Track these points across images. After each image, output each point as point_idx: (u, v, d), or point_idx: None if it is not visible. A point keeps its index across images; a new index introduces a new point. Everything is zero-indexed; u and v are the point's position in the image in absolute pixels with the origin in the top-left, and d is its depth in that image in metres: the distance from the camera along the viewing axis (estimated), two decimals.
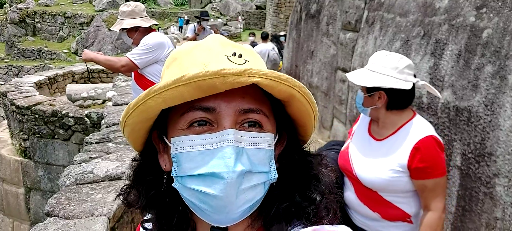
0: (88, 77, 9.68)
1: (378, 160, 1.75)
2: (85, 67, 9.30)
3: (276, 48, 8.71)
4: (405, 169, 1.67)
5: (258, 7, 28.83)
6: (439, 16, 2.40)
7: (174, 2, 37.36)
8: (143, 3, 3.51)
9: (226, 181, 0.56)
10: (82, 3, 27.42)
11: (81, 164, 3.15)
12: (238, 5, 30.99)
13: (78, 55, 21.85)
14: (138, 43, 3.29)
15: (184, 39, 15.47)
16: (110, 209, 2.44)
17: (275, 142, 0.64)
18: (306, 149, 0.71)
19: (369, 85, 1.72)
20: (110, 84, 8.26)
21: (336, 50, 3.98)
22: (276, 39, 9.86)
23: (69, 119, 6.57)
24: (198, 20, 7.73)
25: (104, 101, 7.25)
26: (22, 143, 7.10)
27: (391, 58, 1.70)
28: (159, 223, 0.69)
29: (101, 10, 25.02)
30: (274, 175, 0.62)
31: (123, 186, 0.73)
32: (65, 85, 8.92)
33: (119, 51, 20.01)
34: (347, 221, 1.91)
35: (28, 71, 18.81)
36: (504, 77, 1.94)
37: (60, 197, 2.59)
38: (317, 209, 0.64)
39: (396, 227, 1.79)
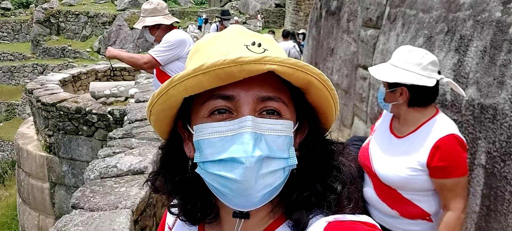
0: (111, 75, 9.84)
1: (397, 158, 1.73)
2: (109, 65, 9.43)
3: (297, 46, 8.71)
4: (424, 167, 1.64)
5: (277, 5, 28.74)
6: (463, 12, 2.35)
7: (194, 1, 37.57)
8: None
9: (245, 165, 0.58)
10: (104, 2, 27.90)
11: (105, 159, 3.23)
12: (258, 3, 30.90)
13: (100, 54, 22.26)
14: (160, 41, 3.34)
15: None
16: (133, 202, 2.49)
17: (295, 129, 0.65)
18: (327, 138, 0.72)
19: (391, 81, 1.69)
20: (132, 82, 8.38)
21: (357, 48, 3.94)
22: (293, 36, 9.84)
23: (93, 115, 6.71)
24: (220, 20, 7.79)
25: (126, 98, 7.36)
26: (47, 139, 7.28)
27: (414, 53, 1.68)
28: (184, 208, 0.72)
29: (123, 9, 25.40)
30: (294, 161, 0.63)
31: (150, 173, 0.76)
32: (88, 83, 9.09)
33: (140, 49, 20.30)
34: None
35: (52, 70, 19.26)
36: None
37: (85, 190, 2.67)
38: (338, 199, 0.64)
39: (414, 225, 1.76)
